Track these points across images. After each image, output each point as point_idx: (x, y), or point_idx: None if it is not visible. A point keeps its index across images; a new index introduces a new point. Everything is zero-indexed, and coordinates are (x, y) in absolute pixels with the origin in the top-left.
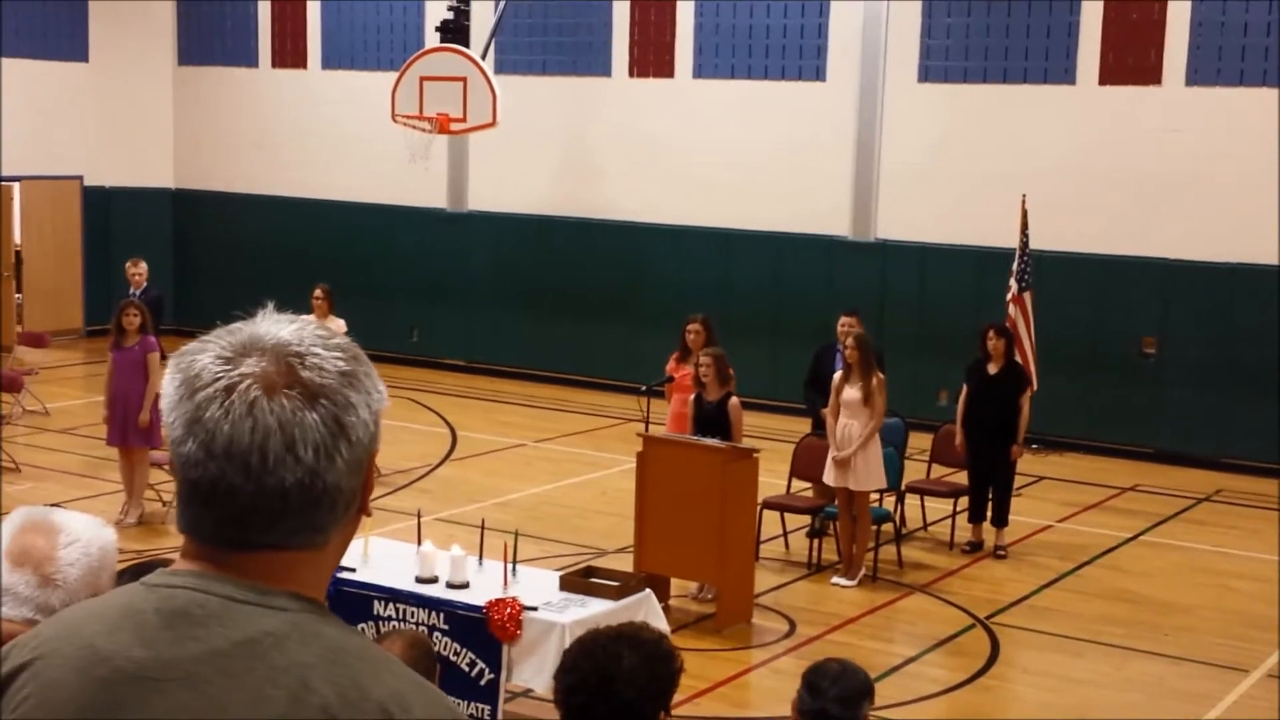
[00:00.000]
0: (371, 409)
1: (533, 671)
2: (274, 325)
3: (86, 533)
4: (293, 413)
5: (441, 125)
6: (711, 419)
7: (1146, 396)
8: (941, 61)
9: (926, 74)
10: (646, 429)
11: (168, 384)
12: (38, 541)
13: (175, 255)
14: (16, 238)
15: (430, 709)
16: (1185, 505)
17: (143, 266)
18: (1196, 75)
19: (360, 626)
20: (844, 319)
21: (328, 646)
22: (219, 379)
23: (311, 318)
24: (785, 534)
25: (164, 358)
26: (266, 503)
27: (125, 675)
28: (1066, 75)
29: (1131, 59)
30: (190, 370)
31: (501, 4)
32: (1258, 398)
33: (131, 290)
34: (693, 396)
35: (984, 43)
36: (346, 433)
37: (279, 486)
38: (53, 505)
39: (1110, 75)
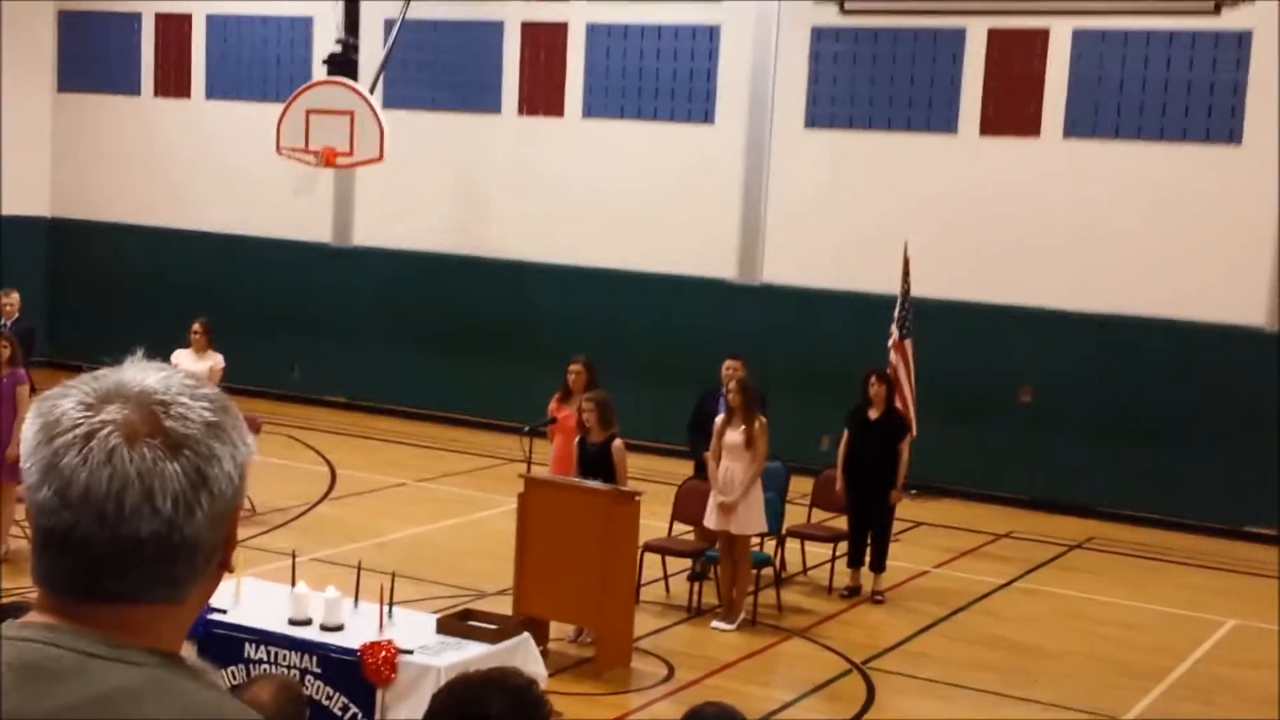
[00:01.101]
0: (237, 461)
1: (407, 714)
2: (140, 373)
3: None
4: (153, 462)
5: (327, 159)
6: (595, 461)
7: (1023, 444)
8: (828, 108)
9: (813, 120)
10: (529, 470)
11: (27, 429)
12: None
13: (49, 286)
14: None
15: None
16: (1058, 552)
17: (14, 297)
18: (1074, 127)
19: (230, 669)
20: (729, 362)
21: (184, 703)
22: (79, 425)
23: (190, 353)
24: (666, 577)
25: (34, 391)
26: (121, 553)
27: None
28: (949, 125)
29: (1011, 110)
30: (50, 415)
31: (391, 38)
32: (1131, 446)
33: (2, 321)
34: (577, 439)
35: (869, 91)
36: (209, 485)
37: (134, 537)
38: None
39: (991, 126)
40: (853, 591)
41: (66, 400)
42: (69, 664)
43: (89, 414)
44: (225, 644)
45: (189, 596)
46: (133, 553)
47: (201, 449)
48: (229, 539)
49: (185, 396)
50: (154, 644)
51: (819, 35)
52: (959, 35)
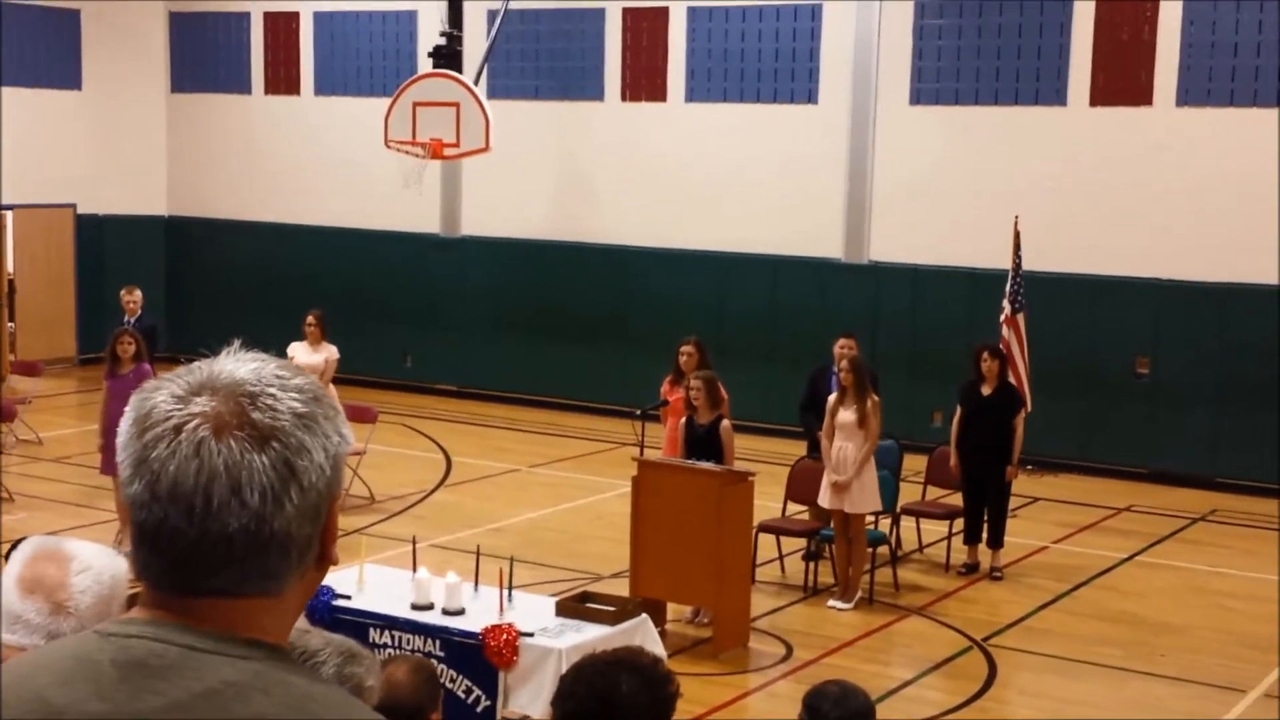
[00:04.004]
0: (329, 453)
1: (529, 698)
2: (233, 364)
3: (98, 561)
4: (240, 455)
5: (435, 151)
6: (702, 442)
7: (1141, 416)
8: (933, 84)
9: (918, 96)
10: (641, 453)
11: (122, 422)
12: (49, 570)
13: (168, 283)
14: (9, 266)
15: None
16: (1180, 525)
17: (138, 294)
18: (1187, 96)
19: None
20: (842, 341)
21: (292, 695)
22: (170, 418)
23: (305, 345)
24: (781, 557)
25: None
26: (211, 548)
27: None
28: (1058, 97)
29: (1122, 80)
30: (143, 408)
31: (494, 29)
32: (1252, 417)
33: (126, 318)
34: (683, 419)
35: (975, 65)
36: (298, 477)
37: (223, 532)
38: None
39: (1101, 96)
40: (971, 568)
41: (159, 393)
42: (174, 659)
43: (179, 407)
44: (350, 629)
45: (286, 590)
46: (222, 548)
47: (290, 441)
48: (327, 531)
49: (274, 388)
50: (258, 637)
51: (923, 9)
52: (1066, 4)
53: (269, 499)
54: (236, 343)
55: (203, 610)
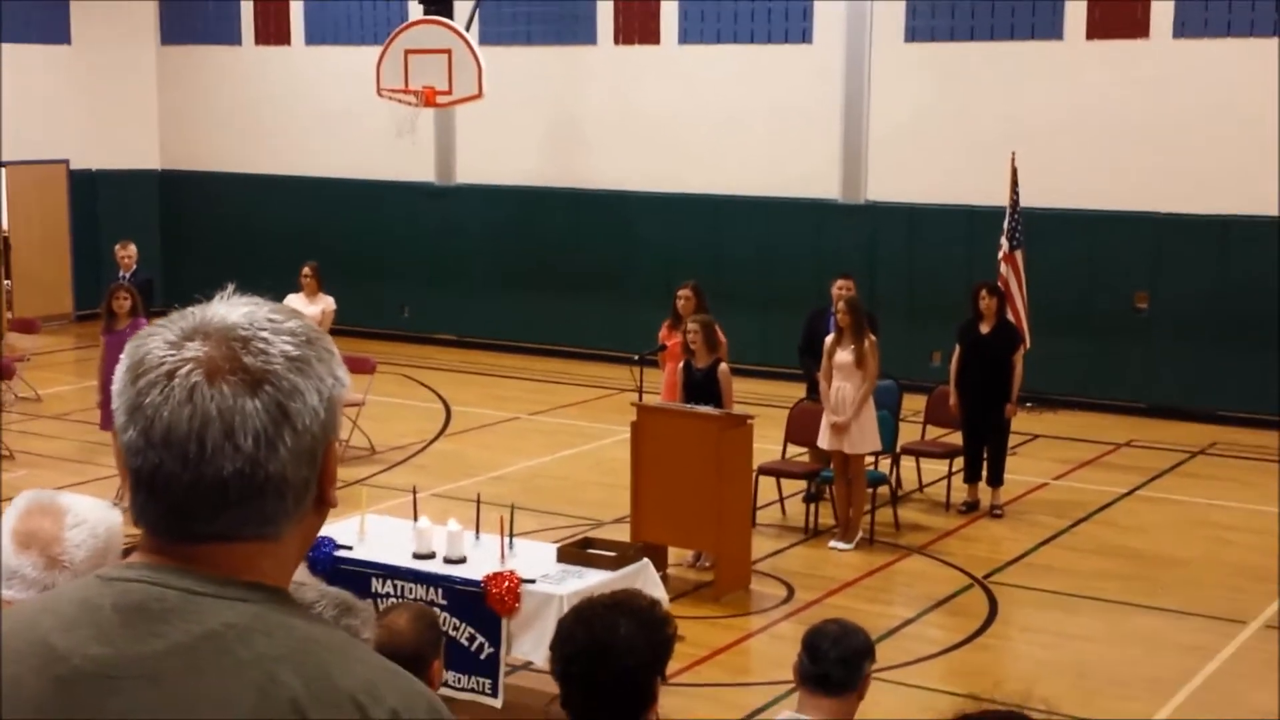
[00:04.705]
0: (323, 395)
1: (532, 644)
2: (225, 308)
3: (93, 515)
4: (233, 399)
5: (427, 98)
6: (701, 386)
7: (1140, 352)
8: (928, 21)
9: (913, 34)
10: (640, 398)
11: (117, 369)
12: (44, 524)
13: (163, 237)
14: (3, 223)
15: (402, 696)
16: (1180, 459)
17: (132, 249)
18: (1184, 27)
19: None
20: (839, 282)
21: (294, 637)
22: (162, 364)
23: (301, 297)
24: (781, 499)
25: None
26: (207, 493)
27: (84, 674)
28: (1054, 30)
29: (1118, 13)
30: (136, 355)
31: None
32: (1252, 350)
33: (121, 273)
34: (682, 364)
35: (970, 1)
36: (291, 420)
37: (217, 476)
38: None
39: (1097, 30)
40: (971, 506)
41: (153, 339)
42: (174, 603)
43: (172, 352)
44: (352, 579)
45: (284, 534)
46: (218, 492)
47: (283, 384)
48: (324, 474)
49: (267, 331)
50: (258, 580)
51: None
52: None
53: (262, 442)
54: (230, 287)
55: (202, 555)
